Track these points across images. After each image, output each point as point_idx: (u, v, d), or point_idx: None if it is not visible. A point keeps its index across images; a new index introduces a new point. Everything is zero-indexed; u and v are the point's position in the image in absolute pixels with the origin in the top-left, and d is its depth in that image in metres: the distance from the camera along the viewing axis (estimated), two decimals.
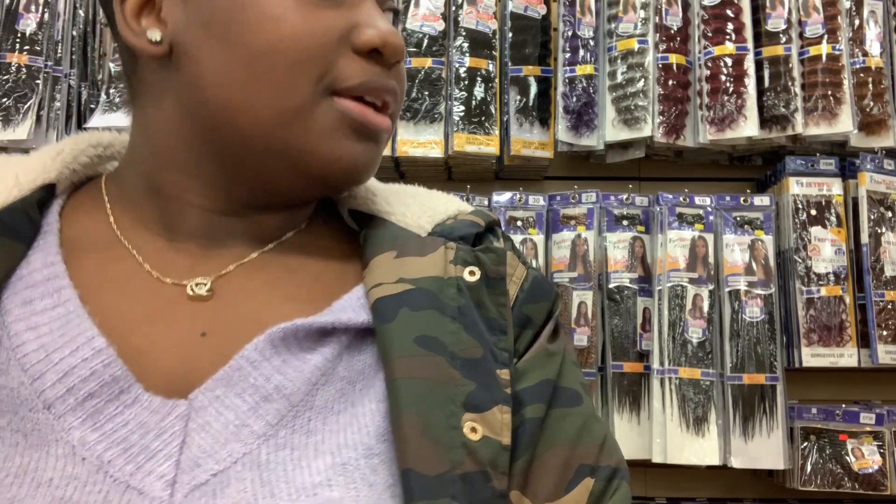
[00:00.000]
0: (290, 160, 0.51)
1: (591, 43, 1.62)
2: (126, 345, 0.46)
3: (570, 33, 1.63)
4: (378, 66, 0.52)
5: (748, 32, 1.59)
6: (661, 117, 1.56)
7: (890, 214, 1.55)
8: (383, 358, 0.48)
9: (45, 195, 0.54)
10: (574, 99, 1.59)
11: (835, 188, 1.56)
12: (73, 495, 0.41)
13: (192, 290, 0.51)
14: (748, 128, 1.55)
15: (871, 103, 1.58)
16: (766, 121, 1.56)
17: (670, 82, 1.57)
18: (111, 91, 1.60)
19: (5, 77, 1.58)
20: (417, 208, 0.59)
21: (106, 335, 0.46)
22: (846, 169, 1.58)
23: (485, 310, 0.53)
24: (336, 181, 0.53)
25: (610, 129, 1.58)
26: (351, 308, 0.52)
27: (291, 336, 0.48)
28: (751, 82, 1.56)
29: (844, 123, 1.55)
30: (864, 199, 1.53)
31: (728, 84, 1.57)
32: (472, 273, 0.54)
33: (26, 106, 1.57)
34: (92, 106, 1.65)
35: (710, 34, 1.60)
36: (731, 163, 1.71)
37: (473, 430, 0.46)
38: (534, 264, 1.55)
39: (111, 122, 1.56)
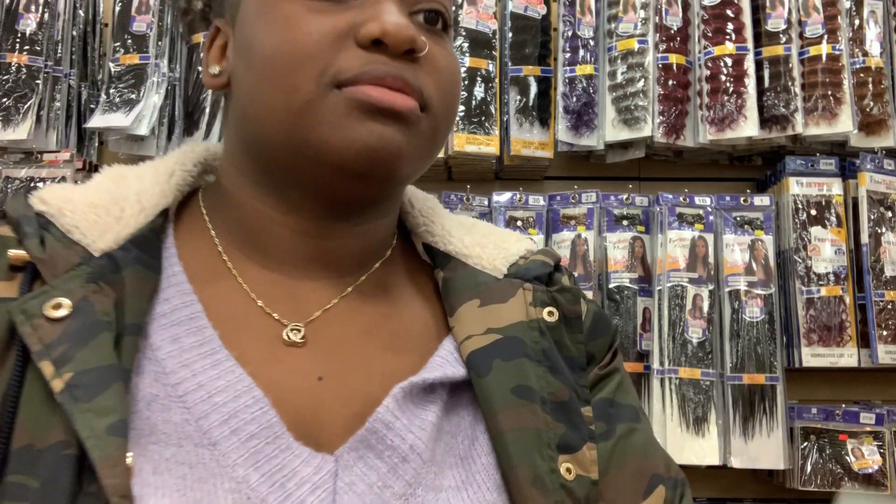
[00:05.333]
0: (309, 155, 0.51)
1: (591, 43, 1.62)
2: (258, 386, 0.49)
3: (570, 33, 1.63)
4: (384, 55, 0.51)
5: (748, 32, 1.59)
6: (661, 117, 1.56)
7: (890, 214, 1.54)
8: (486, 411, 0.52)
9: (161, 220, 0.55)
10: (574, 99, 1.59)
11: (835, 188, 1.56)
12: None
13: (287, 336, 0.53)
14: (748, 128, 1.55)
15: (871, 103, 1.58)
16: (766, 121, 1.56)
17: (670, 82, 1.57)
18: (111, 91, 1.60)
19: (5, 77, 1.58)
20: (493, 249, 0.61)
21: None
22: (846, 169, 1.58)
23: (565, 349, 0.57)
24: (358, 167, 0.51)
25: (610, 129, 1.58)
26: (448, 363, 0.54)
27: (409, 393, 0.51)
28: (751, 82, 1.56)
29: (844, 123, 1.55)
30: (864, 198, 1.53)
31: (728, 84, 1.56)
32: (550, 314, 0.58)
33: (26, 106, 1.57)
34: (92, 106, 1.65)
35: (710, 34, 1.60)
36: (731, 163, 1.71)
37: (568, 470, 0.51)
38: None
39: (111, 123, 1.56)
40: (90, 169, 1.59)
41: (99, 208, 0.52)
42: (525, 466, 0.50)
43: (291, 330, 0.53)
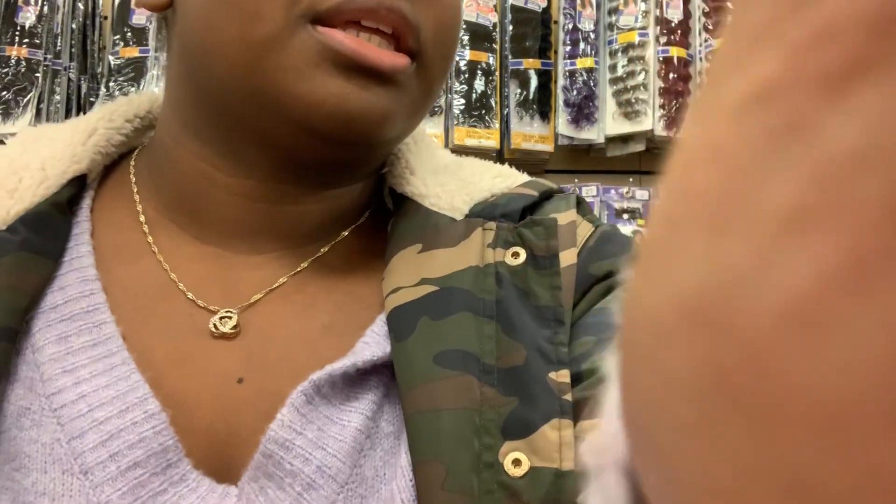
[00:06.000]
0: (267, 104, 0.40)
1: (592, 36, 1.62)
2: (161, 393, 0.38)
3: (570, 26, 1.62)
4: None
5: None
6: (661, 110, 1.55)
7: None
8: (401, 387, 0.38)
9: (75, 189, 0.45)
10: (574, 92, 1.59)
11: None
12: None
13: (215, 326, 0.40)
14: None
15: None
16: None
17: (671, 75, 1.57)
18: (111, 84, 1.60)
19: (5, 70, 1.58)
20: (454, 185, 0.47)
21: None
22: None
23: (533, 297, 0.41)
24: (329, 131, 0.40)
25: (610, 123, 1.58)
26: (377, 341, 0.40)
27: (317, 396, 0.38)
28: None
29: None
30: None
31: None
32: (515, 255, 0.42)
33: (26, 99, 1.57)
34: (92, 99, 1.64)
35: (711, 27, 1.59)
36: None
37: (516, 462, 0.36)
38: None
39: None
40: None
41: None
42: (435, 463, 0.35)
43: (221, 318, 0.40)
